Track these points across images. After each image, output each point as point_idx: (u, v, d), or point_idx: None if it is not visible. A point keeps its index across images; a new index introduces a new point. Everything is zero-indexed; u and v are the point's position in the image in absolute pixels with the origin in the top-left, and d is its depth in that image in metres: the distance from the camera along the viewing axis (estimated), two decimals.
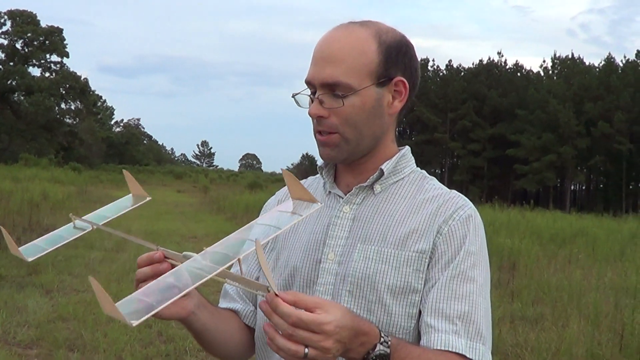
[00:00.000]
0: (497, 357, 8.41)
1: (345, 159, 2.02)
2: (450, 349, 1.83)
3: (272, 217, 1.76)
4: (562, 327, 9.79)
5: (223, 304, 2.23)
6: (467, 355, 1.84)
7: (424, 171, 2.14)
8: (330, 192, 2.12)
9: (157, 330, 9.23)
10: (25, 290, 11.27)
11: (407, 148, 2.13)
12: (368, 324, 1.72)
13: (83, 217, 1.93)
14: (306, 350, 1.57)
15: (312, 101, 1.97)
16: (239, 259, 1.57)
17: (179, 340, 8.78)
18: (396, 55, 1.98)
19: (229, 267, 1.56)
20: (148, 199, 1.97)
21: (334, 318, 1.59)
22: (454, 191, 2.05)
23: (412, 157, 2.14)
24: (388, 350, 1.71)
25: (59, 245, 1.88)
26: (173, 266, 1.72)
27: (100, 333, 8.82)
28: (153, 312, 1.44)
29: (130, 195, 2.01)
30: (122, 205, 2.00)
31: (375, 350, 1.70)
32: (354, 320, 1.66)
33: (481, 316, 1.89)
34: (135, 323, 1.39)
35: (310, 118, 2.00)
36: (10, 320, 9.19)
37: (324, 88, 1.93)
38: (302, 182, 2.21)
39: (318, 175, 2.20)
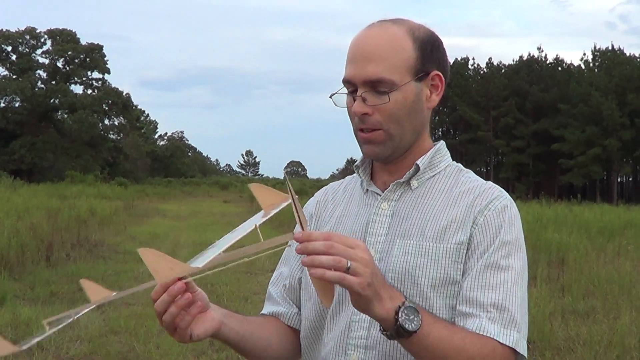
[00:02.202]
0: (549, 351, 8.40)
1: (389, 156, 2.04)
2: (483, 333, 1.84)
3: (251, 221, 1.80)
4: (614, 319, 9.76)
5: (267, 307, 2.26)
6: (501, 341, 1.84)
7: (459, 164, 2.15)
8: (367, 190, 2.13)
9: (209, 340, 9.24)
10: (77, 306, 11.18)
11: (442, 142, 2.15)
12: None
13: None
14: (349, 263, 1.60)
15: (354, 100, 1.98)
16: (256, 225, 1.68)
17: (231, 349, 8.79)
18: (430, 50, 2.01)
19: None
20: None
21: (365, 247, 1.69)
22: (490, 182, 2.06)
23: (447, 151, 2.15)
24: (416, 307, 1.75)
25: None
26: (186, 283, 1.73)
27: (153, 345, 8.90)
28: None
29: None
30: None
31: (405, 303, 1.73)
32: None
33: (517, 304, 1.89)
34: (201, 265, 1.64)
35: (349, 117, 2.03)
36: (62, 336, 9.25)
37: (366, 85, 1.95)
38: (340, 182, 2.27)
39: (355, 174, 2.21)
